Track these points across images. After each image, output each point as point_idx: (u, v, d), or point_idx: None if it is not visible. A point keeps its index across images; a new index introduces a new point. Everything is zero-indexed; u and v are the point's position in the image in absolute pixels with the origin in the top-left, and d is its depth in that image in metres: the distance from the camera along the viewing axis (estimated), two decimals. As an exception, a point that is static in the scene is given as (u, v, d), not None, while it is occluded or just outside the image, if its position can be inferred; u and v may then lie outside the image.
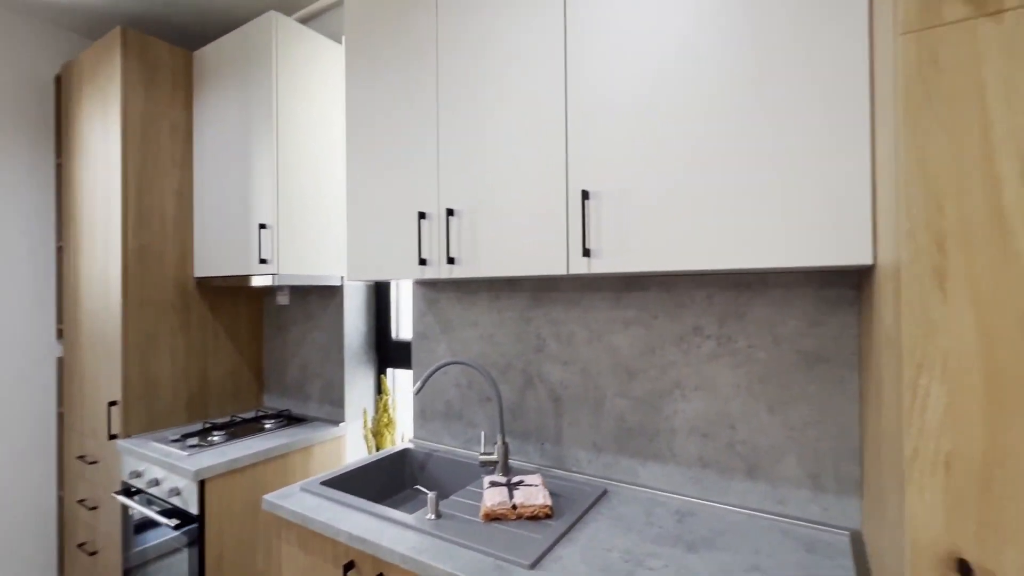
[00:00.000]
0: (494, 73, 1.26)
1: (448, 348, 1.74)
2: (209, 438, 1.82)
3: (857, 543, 1.06)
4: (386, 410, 1.94)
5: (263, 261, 1.81)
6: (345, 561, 1.15)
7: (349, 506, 1.24)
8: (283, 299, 2.29)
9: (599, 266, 1.10)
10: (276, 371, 2.32)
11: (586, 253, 1.10)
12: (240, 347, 2.28)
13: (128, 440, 1.86)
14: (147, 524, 1.76)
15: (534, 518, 1.16)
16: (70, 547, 2.18)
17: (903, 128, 0.60)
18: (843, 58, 0.86)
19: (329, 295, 2.11)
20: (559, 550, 1.04)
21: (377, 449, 1.95)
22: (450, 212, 1.32)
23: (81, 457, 2.08)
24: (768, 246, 0.92)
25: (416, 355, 1.83)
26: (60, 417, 2.32)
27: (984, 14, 0.56)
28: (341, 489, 1.46)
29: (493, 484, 1.27)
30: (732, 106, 0.96)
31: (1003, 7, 0.55)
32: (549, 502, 1.18)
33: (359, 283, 2.12)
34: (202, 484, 1.58)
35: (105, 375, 1.96)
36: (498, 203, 1.25)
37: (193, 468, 1.56)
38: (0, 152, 2.17)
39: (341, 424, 2.03)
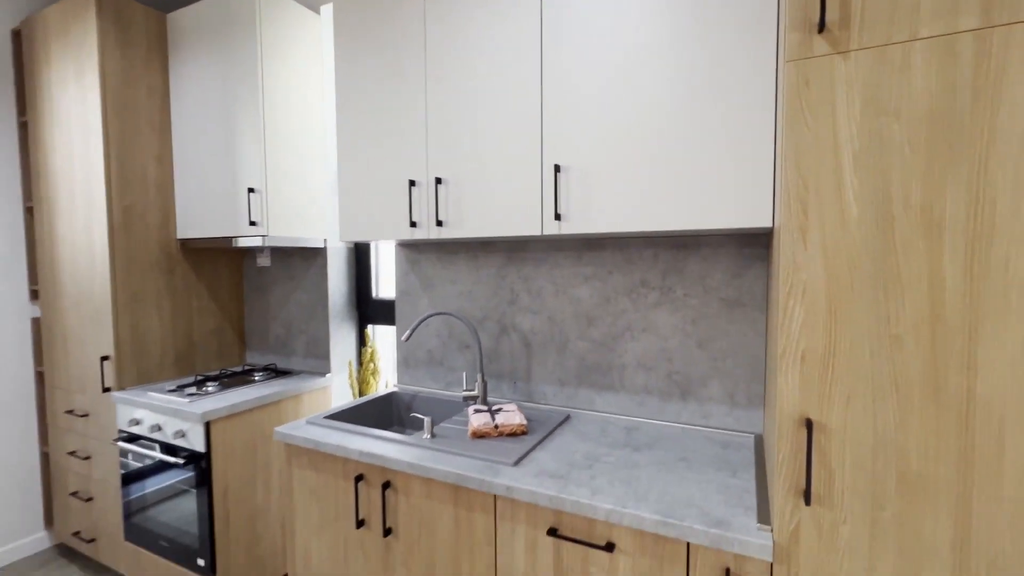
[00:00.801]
0: (479, 56, 1.44)
1: (430, 303, 1.96)
2: (203, 388, 1.96)
3: (758, 441, 1.39)
4: (371, 360, 2.14)
5: (252, 223, 1.93)
6: (355, 474, 1.38)
7: (354, 432, 1.46)
8: (264, 261, 2.40)
9: (567, 228, 1.34)
10: (258, 329, 2.45)
11: (557, 217, 1.34)
12: (222, 307, 2.39)
13: (124, 392, 1.97)
14: (145, 470, 1.90)
15: (512, 435, 1.43)
16: (60, 496, 2.28)
17: (786, 128, 0.86)
18: (760, 78, 1.12)
19: (312, 257, 2.25)
20: (534, 454, 1.31)
21: (362, 395, 2.16)
22: (438, 180, 1.51)
23: (70, 411, 2.16)
24: (700, 212, 1.19)
25: (400, 310, 2.03)
26: (39, 376, 2.37)
27: (838, 52, 0.82)
28: (342, 421, 1.67)
29: (477, 411, 1.52)
30: (674, 102, 1.20)
31: (849, 48, 0.81)
32: (525, 422, 1.44)
33: (340, 246, 2.27)
34: (207, 426, 1.74)
35: (93, 332, 2.04)
36: (483, 173, 1.46)
37: (199, 411, 1.72)
38: (-40, 109, 2.13)
39: (327, 375, 2.22)
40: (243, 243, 1.99)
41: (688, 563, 0.98)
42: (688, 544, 0.98)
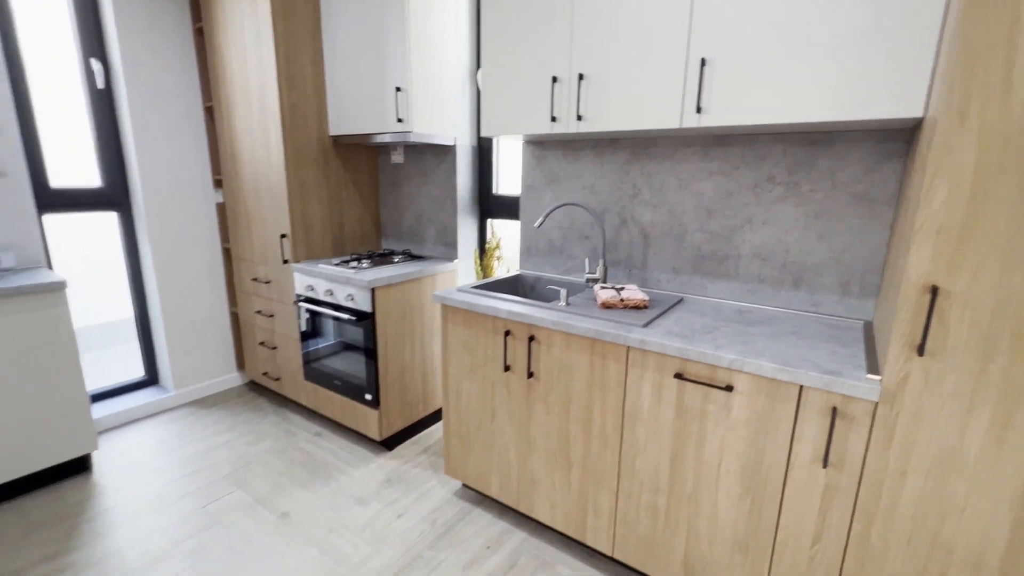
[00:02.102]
0: (628, -51, 1.48)
1: (554, 197, 2.15)
2: (360, 264, 2.36)
3: (867, 327, 1.52)
4: (497, 248, 2.42)
5: (399, 120, 2.17)
6: (504, 330, 1.69)
7: (500, 299, 1.76)
8: (398, 158, 2.69)
9: (708, 120, 1.44)
10: (392, 219, 2.80)
11: (699, 110, 1.44)
12: (363, 198, 2.74)
13: (299, 264, 2.42)
14: (320, 326, 2.38)
15: (636, 308, 1.66)
16: (249, 346, 2.90)
17: (964, 14, 0.91)
18: (936, -54, 1.10)
19: (442, 154, 2.49)
20: (658, 321, 1.54)
21: (486, 278, 2.47)
22: (581, 76, 1.63)
23: (255, 279, 2.69)
24: (852, 103, 1.25)
25: (524, 203, 2.25)
26: (226, 251, 2.92)
27: (1036, -71, 0.83)
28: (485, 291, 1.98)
29: (603, 287, 1.76)
30: (837, -14, 1.21)
31: (1050, -76, 0.82)
32: (647, 298, 1.66)
33: (467, 144, 2.48)
34: (373, 292, 2.14)
35: (271, 215, 2.47)
36: (625, 68, 1.56)
37: (367, 279, 2.11)
38: (145, 17, 2.47)
39: (455, 261, 2.55)
40: (383, 139, 2.25)
41: (799, 403, 1.19)
42: (801, 387, 1.18)
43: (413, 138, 2.18)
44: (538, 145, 2.16)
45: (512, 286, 2.16)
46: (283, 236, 2.43)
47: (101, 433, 2.52)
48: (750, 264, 1.74)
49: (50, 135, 2.34)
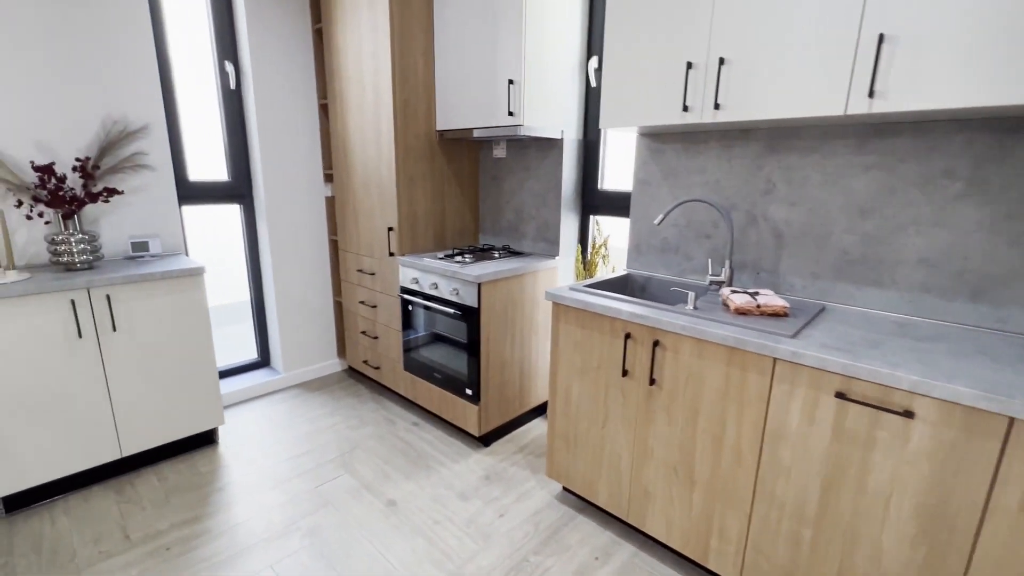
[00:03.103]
0: (790, -84, 1.33)
1: (670, 193, 2.03)
2: (463, 258, 2.36)
3: (1075, 350, 1.27)
4: (604, 245, 2.33)
5: (511, 114, 2.14)
6: (625, 332, 1.61)
7: (620, 299, 1.68)
8: (500, 152, 2.67)
9: (882, 106, 1.26)
10: (491, 214, 2.79)
11: (871, 94, 1.26)
12: (464, 192, 2.75)
13: (405, 257, 2.46)
14: (423, 318, 2.42)
15: (774, 315, 1.51)
16: (351, 334, 3.02)
17: None
18: None
19: (547, 148, 2.43)
20: (807, 331, 1.38)
21: (589, 276, 2.39)
22: (721, 61, 1.50)
23: (360, 270, 2.78)
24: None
25: (636, 199, 2.14)
26: (333, 243, 3.05)
27: None
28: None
29: (734, 292, 1.62)
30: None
31: None
32: (787, 305, 1.51)
33: (573, 137, 2.40)
34: (479, 287, 2.13)
35: (380, 208, 2.54)
36: (775, 50, 1.41)
37: (474, 274, 2.10)
38: (268, 19, 2.61)
39: (556, 257, 2.49)
40: (492, 134, 2.22)
41: (1006, 438, 1.01)
42: (1012, 420, 1.00)
43: (523, 132, 2.14)
44: (654, 138, 2.04)
45: (621, 286, 2.07)
46: (390, 229, 2.49)
47: (226, 408, 2.72)
48: (913, 271, 1.52)
49: (189, 132, 2.54)
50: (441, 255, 2.43)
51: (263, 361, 3.09)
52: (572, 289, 1.82)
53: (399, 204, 2.43)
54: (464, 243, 2.82)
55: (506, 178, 2.67)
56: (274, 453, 2.30)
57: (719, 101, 1.54)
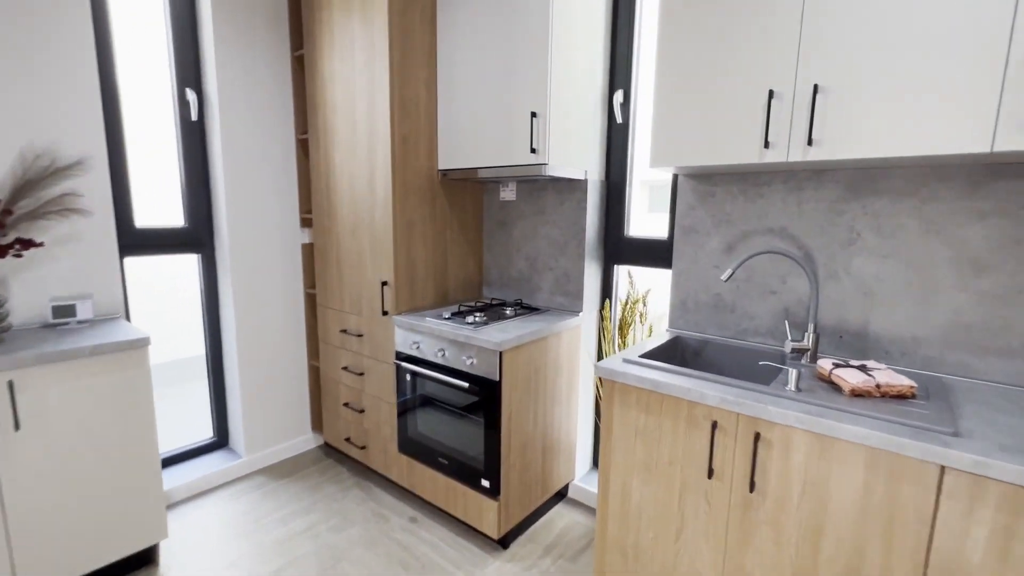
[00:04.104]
0: (903, -79, 1.12)
1: (722, 242, 1.75)
2: (474, 318, 1.98)
3: None
4: (640, 301, 2.02)
5: (533, 151, 1.83)
6: (711, 421, 1.26)
7: (697, 377, 1.34)
8: (509, 194, 2.35)
9: (1043, 142, 1.02)
10: (498, 263, 2.44)
11: (1029, 127, 1.02)
12: (468, 240, 2.40)
13: (402, 316, 2.07)
14: (424, 390, 2.00)
15: (899, 397, 1.20)
16: (331, 406, 2.55)
17: None
18: None
19: (568, 189, 2.14)
20: (968, 425, 1.07)
21: (623, 337, 2.06)
22: (816, 89, 1.25)
23: (344, 331, 2.35)
24: None
25: (680, 249, 1.85)
26: (310, 298, 2.62)
27: None
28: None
29: (838, 366, 1.31)
30: None
31: None
32: (913, 384, 1.21)
33: (596, 179, 2.12)
34: (500, 355, 1.75)
35: (371, 258, 2.15)
36: (888, 75, 1.16)
37: (494, 340, 1.73)
38: (239, 42, 2.27)
39: (579, 314, 2.15)
40: (509, 173, 1.91)
41: None
42: None
43: (548, 171, 1.84)
44: (703, 179, 1.77)
45: (670, 352, 1.74)
46: (384, 284, 2.10)
47: (170, 508, 2.17)
48: (1050, 338, 1.26)
49: (138, 170, 2.11)
50: (447, 314, 2.05)
51: (220, 441, 2.55)
52: (627, 361, 1.47)
53: (396, 253, 2.06)
54: (469, 297, 2.45)
55: (516, 223, 2.35)
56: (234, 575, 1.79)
57: (813, 136, 1.27)
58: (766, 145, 1.34)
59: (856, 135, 1.22)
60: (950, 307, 1.38)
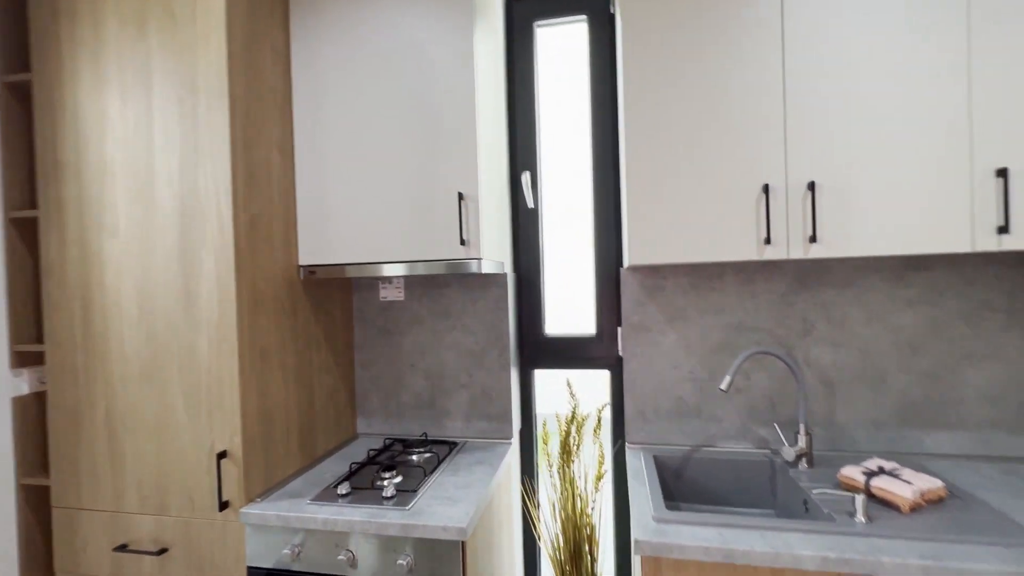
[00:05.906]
0: (863, 37, 1.18)
1: (680, 339, 1.58)
2: (382, 482, 1.34)
3: None
4: (598, 416, 1.67)
5: (463, 243, 1.39)
6: (809, 591, 0.98)
7: (763, 528, 1.05)
8: (394, 294, 1.79)
9: (1013, 243, 1.12)
10: (380, 386, 1.81)
11: (1002, 230, 1.11)
12: (337, 360, 1.72)
13: (255, 506, 1.26)
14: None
15: (938, 500, 1.14)
16: None
17: None
18: None
19: (480, 286, 1.72)
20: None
21: (567, 466, 1.67)
22: (812, 186, 1.20)
23: (126, 547, 1.33)
24: None
25: (631, 351, 1.61)
26: (34, 494, 1.46)
27: None
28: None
29: (870, 472, 1.20)
30: None
31: None
32: (943, 484, 1.17)
33: (510, 271, 1.77)
34: (463, 546, 1.16)
35: (192, 416, 1.29)
36: (872, 178, 1.18)
37: (451, 519, 1.14)
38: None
39: (510, 441, 1.69)
40: (431, 270, 1.42)
41: None
42: None
43: (483, 267, 1.41)
44: (651, 272, 1.60)
45: (662, 483, 1.43)
46: (222, 455, 1.26)
47: None
48: (977, 408, 1.41)
49: None
50: (339, 484, 1.32)
51: None
52: (659, 520, 1.10)
53: (244, 401, 1.27)
54: (340, 438, 1.72)
55: (408, 330, 1.78)
56: None
57: (817, 233, 1.21)
58: (767, 242, 1.22)
59: (856, 231, 1.19)
60: (896, 388, 1.46)
